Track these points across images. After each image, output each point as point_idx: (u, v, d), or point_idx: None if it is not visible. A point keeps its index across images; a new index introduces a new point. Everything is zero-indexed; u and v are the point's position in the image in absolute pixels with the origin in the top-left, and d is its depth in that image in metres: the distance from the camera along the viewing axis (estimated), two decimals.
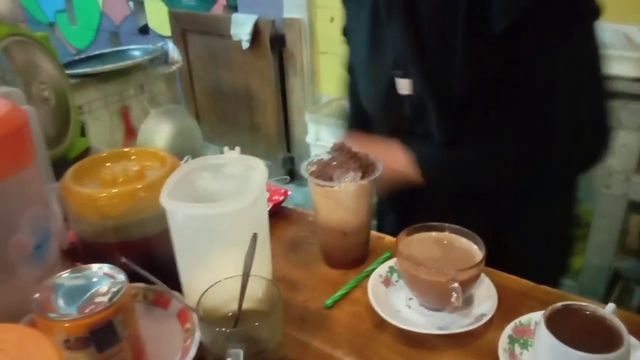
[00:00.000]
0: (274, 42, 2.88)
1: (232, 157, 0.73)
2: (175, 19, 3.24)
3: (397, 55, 0.89)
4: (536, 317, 0.66)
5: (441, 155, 0.90)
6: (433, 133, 0.89)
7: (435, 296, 0.70)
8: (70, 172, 0.76)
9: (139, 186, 0.72)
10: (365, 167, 0.79)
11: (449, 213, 0.74)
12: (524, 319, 0.67)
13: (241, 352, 0.53)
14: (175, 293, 0.69)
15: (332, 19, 2.78)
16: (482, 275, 0.73)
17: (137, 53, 2.50)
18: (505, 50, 0.79)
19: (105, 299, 0.57)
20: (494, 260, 0.74)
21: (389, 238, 0.90)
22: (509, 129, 0.84)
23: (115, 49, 2.67)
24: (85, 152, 1.30)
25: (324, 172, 0.79)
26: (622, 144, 1.58)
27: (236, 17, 2.91)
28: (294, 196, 1.05)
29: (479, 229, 0.73)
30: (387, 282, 0.78)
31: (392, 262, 0.80)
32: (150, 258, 0.70)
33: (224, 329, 0.56)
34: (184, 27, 3.23)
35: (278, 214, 0.99)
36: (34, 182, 0.69)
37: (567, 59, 0.79)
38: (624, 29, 1.71)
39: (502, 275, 0.78)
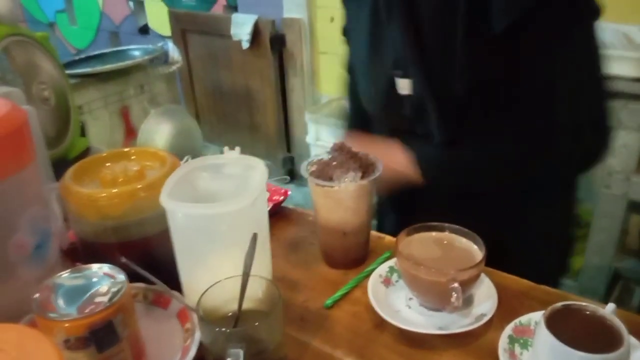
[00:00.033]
0: (274, 42, 2.88)
1: (232, 157, 0.73)
2: (175, 19, 3.24)
3: (397, 55, 0.89)
4: (536, 317, 0.66)
5: (441, 155, 0.90)
6: (433, 133, 0.89)
7: (435, 296, 0.70)
8: (70, 172, 0.76)
9: (139, 186, 0.72)
10: (365, 167, 0.79)
11: (449, 213, 0.74)
12: (524, 319, 0.67)
13: (241, 352, 0.53)
14: (175, 293, 0.69)
15: (332, 19, 2.78)
16: (482, 275, 0.73)
17: (137, 53, 2.50)
18: (505, 50, 0.79)
19: (105, 299, 0.57)
20: (494, 260, 0.74)
21: (389, 238, 0.90)
22: (509, 129, 0.84)
23: (115, 49, 2.67)
24: (85, 152, 1.30)
25: (324, 172, 0.79)
26: (622, 144, 1.58)
27: (236, 17, 2.91)
28: (294, 196, 1.05)
29: (479, 229, 0.73)
30: (387, 282, 0.78)
31: (392, 262, 0.80)
32: (150, 258, 0.70)
33: (223, 329, 0.56)
34: (184, 27, 3.23)
35: (278, 214, 0.99)
36: (34, 182, 0.69)
37: (567, 59, 0.79)
38: (624, 29, 1.71)
39: (502, 275, 0.78)
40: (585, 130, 0.83)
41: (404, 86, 0.89)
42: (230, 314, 0.61)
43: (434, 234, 0.76)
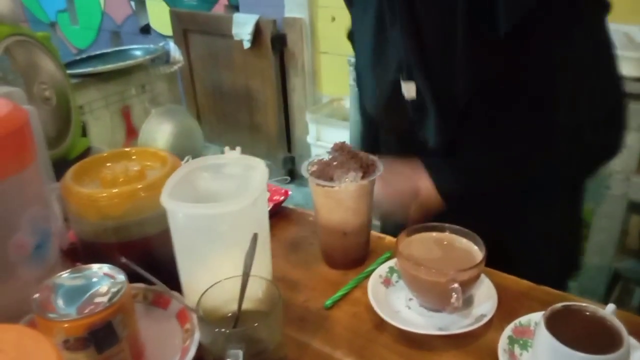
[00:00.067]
0: (275, 42, 2.88)
1: (232, 157, 0.73)
2: (176, 18, 3.24)
3: (400, 58, 0.89)
4: (536, 318, 0.66)
5: (458, 180, 0.88)
6: (434, 133, 0.89)
7: (435, 297, 0.70)
8: (70, 172, 0.76)
9: (139, 186, 0.72)
10: (366, 167, 0.79)
11: (449, 213, 0.74)
12: (523, 319, 0.67)
13: (241, 353, 0.53)
14: (175, 293, 0.69)
15: (333, 19, 2.78)
16: (482, 276, 0.73)
17: (138, 53, 2.50)
18: (505, 51, 0.79)
19: (104, 299, 0.57)
20: (494, 260, 0.74)
21: (389, 238, 0.90)
22: (509, 129, 0.84)
23: (116, 48, 2.67)
24: (86, 152, 1.30)
25: (325, 172, 0.79)
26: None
27: (237, 17, 2.91)
28: (294, 196, 1.05)
29: (479, 229, 0.73)
30: (387, 282, 0.78)
31: (392, 263, 0.80)
32: (150, 258, 0.70)
33: (223, 330, 0.56)
34: (186, 27, 3.24)
35: (278, 214, 0.99)
36: (35, 182, 0.69)
37: (568, 59, 0.79)
38: (624, 29, 1.71)
39: (502, 276, 0.78)
40: (586, 131, 0.82)
41: (408, 89, 0.89)
42: (230, 314, 0.61)
43: (434, 234, 0.76)
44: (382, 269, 0.79)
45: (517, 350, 0.64)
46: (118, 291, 0.58)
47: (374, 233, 0.89)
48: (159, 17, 3.43)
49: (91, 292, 0.58)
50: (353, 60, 1.10)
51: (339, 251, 0.83)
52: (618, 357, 0.53)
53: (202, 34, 3.19)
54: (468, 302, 0.72)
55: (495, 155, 0.86)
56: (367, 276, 0.78)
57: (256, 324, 0.56)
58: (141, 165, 0.78)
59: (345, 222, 0.80)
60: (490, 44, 0.79)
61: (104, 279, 0.60)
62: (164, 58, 2.41)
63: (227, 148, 0.73)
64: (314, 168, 0.81)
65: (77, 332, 0.54)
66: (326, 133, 2.72)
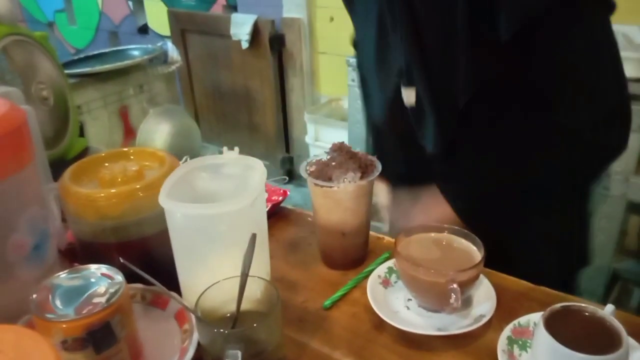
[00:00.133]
0: (273, 42, 2.88)
1: (231, 157, 0.73)
2: (174, 18, 3.24)
3: (401, 63, 0.89)
4: (535, 318, 0.66)
5: (472, 201, 0.89)
6: (433, 138, 0.88)
7: (434, 297, 0.70)
8: (68, 172, 0.76)
9: (137, 186, 0.72)
10: (364, 168, 0.79)
11: None
12: (522, 320, 0.67)
13: (239, 353, 0.53)
14: (174, 294, 0.69)
15: (331, 19, 2.78)
16: (481, 276, 0.73)
17: (136, 53, 2.50)
18: (506, 52, 0.79)
19: (103, 299, 0.56)
20: (494, 260, 0.74)
21: (388, 239, 0.90)
22: (510, 130, 0.84)
23: (114, 48, 2.67)
24: (84, 152, 1.30)
25: (323, 172, 0.79)
26: None
27: (235, 17, 2.91)
28: (292, 196, 1.05)
29: (478, 229, 0.73)
30: (386, 282, 0.78)
31: (391, 263, 0.80)
32: (148, 258, 0.70)
33: (222, 330, 0.56)
34: (184, 27, 3.24)
35: (277, 215, 0.99)
36: (33, 182, 0.68)
37: (568, 59, 0.79)
38: (624, 30, 1.71)
39: (501, 276, 0.78)
40: (586, 131, 0.82)
41: (408, 95, 0.89)
42: (228, 314, 0.61)
43: (433, 234, 0.76)
44: (381, 270, 0.79)
45: (516, 350, 0.64)
46: (116, 291, 0.57)
47: (373, 233, 0.89)
48: (157, 17, 3.43)
49: (89, 292, 0.57)
50: (352, 60, 1.10)
51: (337, 251, 0.83)
52: (617, 358, 0.53)
53: (200, 34, 3.19)
54: (467, 303, 0.72)
55: (495, 155, 0.86)
56: (366, 276, 0.78)
57: (255, 325, 0.56)
58: (139, 165, 0.78)
59: (344, 223, 0.80)
60: (490, 44, 0.78)
61: (102, 279, 0.59)
62: (162, 58, 2.41)
63: (225, 148, 0.73)
64: (313, 168, 0.81)
65: (75, 333, 0.54)
66: (324, 133, 2.72)
